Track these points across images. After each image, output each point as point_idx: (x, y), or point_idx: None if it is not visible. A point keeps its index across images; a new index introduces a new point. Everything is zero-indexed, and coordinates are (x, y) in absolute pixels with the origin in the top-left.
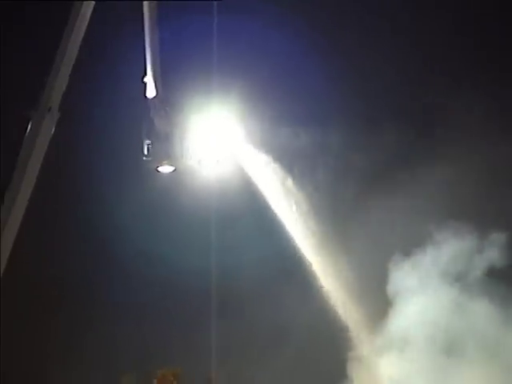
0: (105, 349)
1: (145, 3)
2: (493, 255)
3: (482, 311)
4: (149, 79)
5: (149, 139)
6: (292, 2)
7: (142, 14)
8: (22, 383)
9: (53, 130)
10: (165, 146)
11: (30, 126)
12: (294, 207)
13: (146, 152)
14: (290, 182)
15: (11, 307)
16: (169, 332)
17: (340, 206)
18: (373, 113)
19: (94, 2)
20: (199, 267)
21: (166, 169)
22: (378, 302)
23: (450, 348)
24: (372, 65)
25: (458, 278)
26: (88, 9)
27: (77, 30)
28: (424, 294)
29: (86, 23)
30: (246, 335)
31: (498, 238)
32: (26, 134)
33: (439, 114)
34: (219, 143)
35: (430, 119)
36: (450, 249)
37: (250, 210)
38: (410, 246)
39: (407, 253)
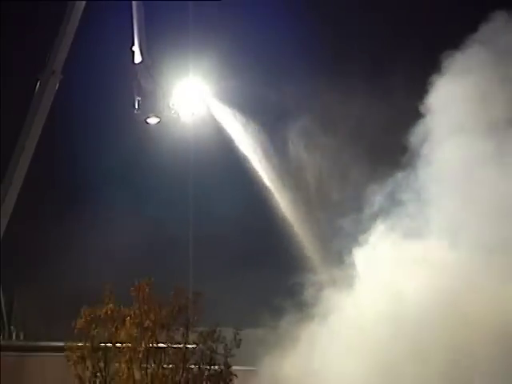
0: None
1: None
2: None
3: None
4: (136, 48)
5: (138, 96)
6: None
7: None
8: None
9: (56, 88)
10: (151, 102)
11: (37, 86)
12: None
13: (136, 107)
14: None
15: None
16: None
17: (309, 158)
18: (345, 70)
19: None
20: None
21: (153, 120)
22: None
23: None
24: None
25: None
26: None
27: (75, 13)
28: None
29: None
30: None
31: None
32: (35, 92)
33: None
34: (194, 98)
35: None
36: None
37: (220, 153)
38: None
39: None
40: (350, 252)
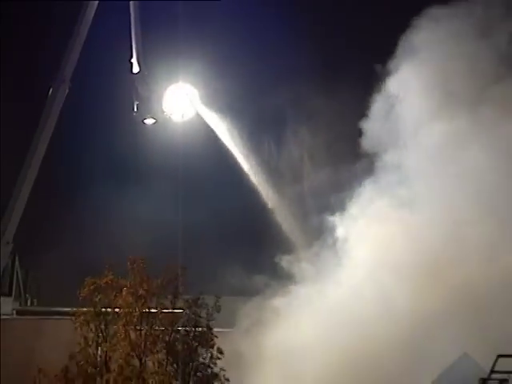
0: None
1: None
2: None
3: None
4: (134, 60)
5: (136, 101)
6: None
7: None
8: None
9: (66, 93)
10: (147, 106)
11: (50, 92)
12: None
13: (135, 110)
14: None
15: None
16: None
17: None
18: (330, 73)
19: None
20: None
21: (149, 121)
22: None
23: None
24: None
25: None
26: (92, 10)
27: (83, 29)
28: None
29: (89, 24)
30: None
31: None
32: (48, 97)
33: None
34: (184, 102)
35: None
36: None
37: (206, 148)
38: None
39: None
40: (331, 227)
